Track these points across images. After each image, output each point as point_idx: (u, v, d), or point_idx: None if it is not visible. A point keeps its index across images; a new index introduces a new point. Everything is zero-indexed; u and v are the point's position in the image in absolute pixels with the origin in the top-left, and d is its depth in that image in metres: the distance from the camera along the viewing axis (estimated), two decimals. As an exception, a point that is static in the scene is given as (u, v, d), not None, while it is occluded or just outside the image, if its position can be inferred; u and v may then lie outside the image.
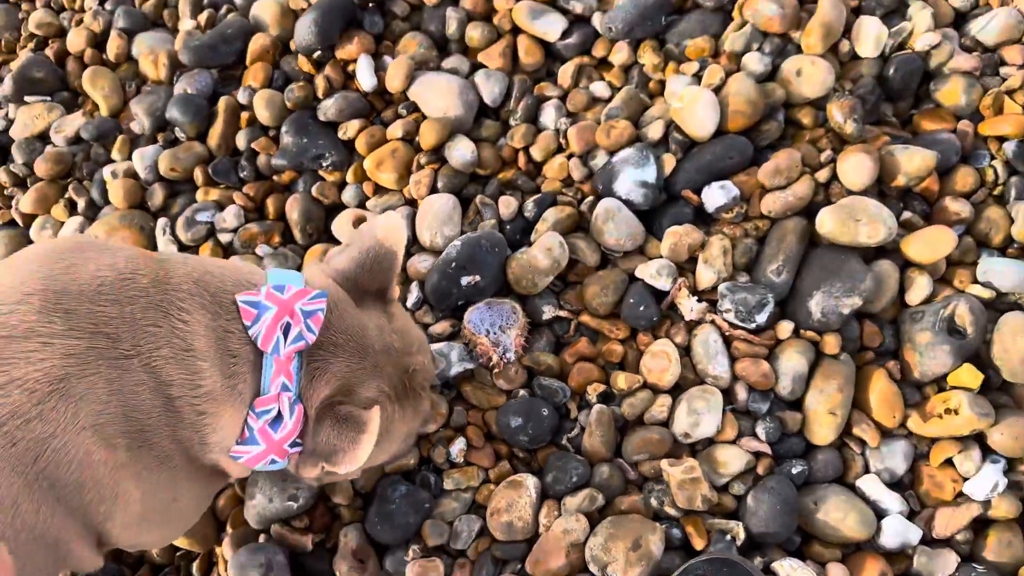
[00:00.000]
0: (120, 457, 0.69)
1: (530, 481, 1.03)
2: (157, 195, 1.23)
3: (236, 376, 0.72)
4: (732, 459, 1.01)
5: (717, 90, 1.14)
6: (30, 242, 1.29)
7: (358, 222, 1.18)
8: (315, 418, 0.76)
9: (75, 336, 0.66)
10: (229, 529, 1.08)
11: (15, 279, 0.68)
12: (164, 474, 0.73)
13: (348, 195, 1.22)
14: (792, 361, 1.04)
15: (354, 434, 0.73)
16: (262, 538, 1.06)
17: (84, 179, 1.30)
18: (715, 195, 1.11)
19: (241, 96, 1.27)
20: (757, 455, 1.03)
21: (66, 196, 1.28)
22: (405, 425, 0.86)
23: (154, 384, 0.69)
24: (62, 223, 1.26)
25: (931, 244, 1.06)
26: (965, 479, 1.01)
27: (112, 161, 1.29)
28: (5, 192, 1.34)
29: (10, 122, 1.38)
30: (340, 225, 1.20)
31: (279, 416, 0.74)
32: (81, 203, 1.26)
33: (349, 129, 1.22)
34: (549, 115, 1.21)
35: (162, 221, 1.21)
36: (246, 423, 0.74)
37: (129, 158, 1.27)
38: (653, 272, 1.08)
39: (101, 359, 0.66)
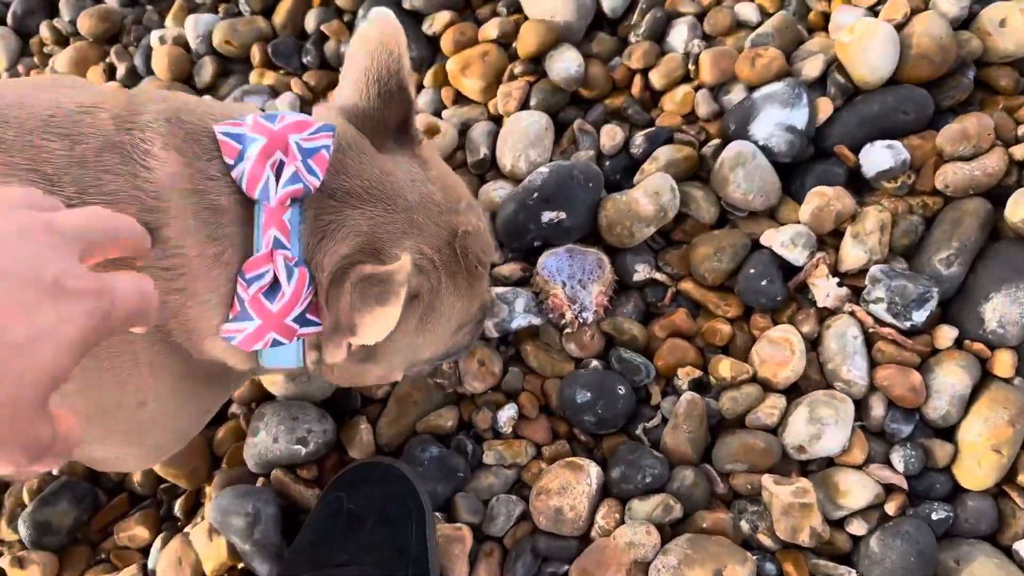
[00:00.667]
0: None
1: (593, 468, 0.82)
2: (206, 69, 1.06)
3: (219, 240, 0.53)
4: (856, 488, 0.78)
5: (899, 28, 0.90)
6: (62, 107, 1.13)
7: (431, 132, 0.99)
8: (330, 284, 0.56)
9: (6, 173, 0.47)
10: (224, 466, 0.91)
11: None
12: (123, 369, 0.55)
13: (423, 100, 1.02)
14: (952, 377, 0.80)
15: (381, 289, 0.53)
16: (260, 482, 0.88)
17: (130, 44, 1.13)
18: (878, 156, 0.87)
19: (319, -32, 1.08)
20: (888, 488, 0.79)
21: (107, 60, 1.12)
22: (459, 301, 0.65)
23: None
24: (97, 88, 1.10)
25: None
26: None
27: (162, 27, 1.12)
28: (44, 49, 1.18)
29: (64, -25, 1.23)
30: (408, 134, 1.00)
31: (276, 283, 0.55)
32: (121, 69, 1.09)
33: (436, 22, 1.02)
34: (679, 35, 0.99)
35: (208, 100, 1.03)
36: (236, 294, 0.55)
37: (181, 25, 1.10)
38: (786, 240, 0.85)
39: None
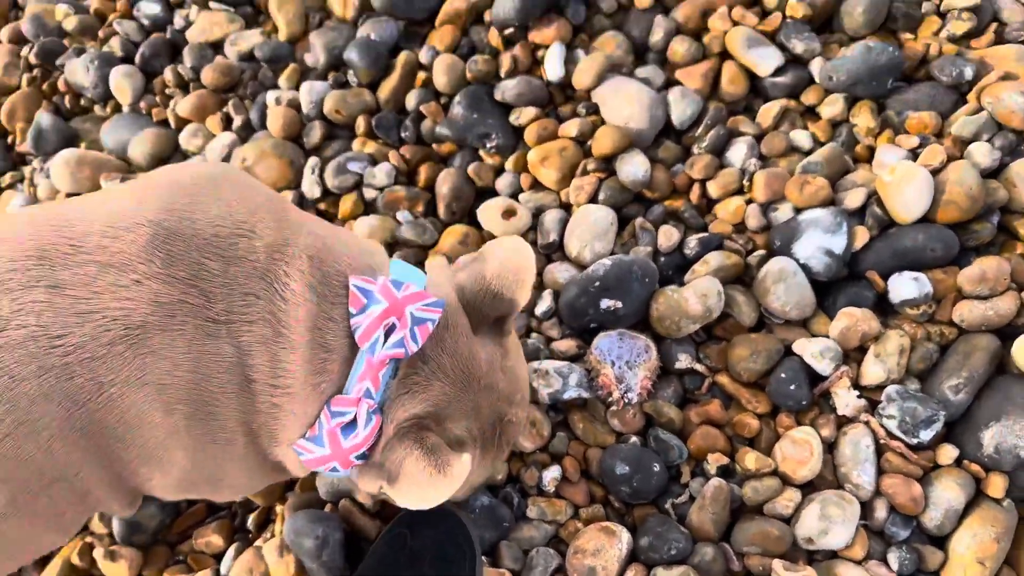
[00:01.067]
0: (176, 424, 0.62)
1: (624, 535, 0.93)
2: (315, 133, 1.19)
3: (322, 371, 0.64)
4: (854, 581, 0.89)
5: (935, 172, 1.02)
6: (177, 145, 1.27)
7: (508, 214, 1.11)
8: (394, 434, 0.67)
9: (170, 283, 0.59)
10: (297, 490, 1.03)
11: (137, 202, 0.62)
12: (219, 453, 0.66)
13: (503, 182, 1.15)
14: (949, 492, 0.91)
15: (433, 473, 0.63)
16: (328, 508, 1.00)
17: (246, 98, 1.27)
18: (905, 285, 0.99)
19: (423, 55, 1.21)
20: (883, 585, 0.90)
21: (224, 110, 1.25)
22: (480, 469, 0.77)
23: (236, 360, 0.62)
24: (214, 135, 1.23)
25: None
26: None
27: (277, 87, 1.26)
28: (167, 91, 1.32)
29: (189, 23, 1.37)
30: (487, 212, 1.13)
31: (353, 422, 0.66)
32: (237, 120, 1.23)
33: (523, 115, 1.15)
34: (738, 152, 1.11)
35: (313, 160, 1.16)
36: (319, 420, 0.66)
37: (296, 88, 1.24)
38: (815, 351, 0.97)
39: (188, 316, 0.59)
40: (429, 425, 0.68)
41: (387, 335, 0.64)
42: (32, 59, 1.41)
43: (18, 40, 1.47)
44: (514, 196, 1.15)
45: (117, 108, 1.36)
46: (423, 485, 0.64)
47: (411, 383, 0.67)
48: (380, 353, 0.64)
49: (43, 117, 1.35)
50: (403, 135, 1.18)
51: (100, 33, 1.41)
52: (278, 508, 1.03)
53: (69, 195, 1.28)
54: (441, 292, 0.71)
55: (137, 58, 1.34)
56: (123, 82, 1.32)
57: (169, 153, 1.27)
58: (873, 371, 0.96)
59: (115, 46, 1.37)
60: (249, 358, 0.61)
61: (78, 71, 1.36)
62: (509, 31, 1.19)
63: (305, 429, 0.67)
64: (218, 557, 1.02)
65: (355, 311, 0.65)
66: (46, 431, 0.58)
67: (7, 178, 1.36)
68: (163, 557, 1.04)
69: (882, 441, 0.94)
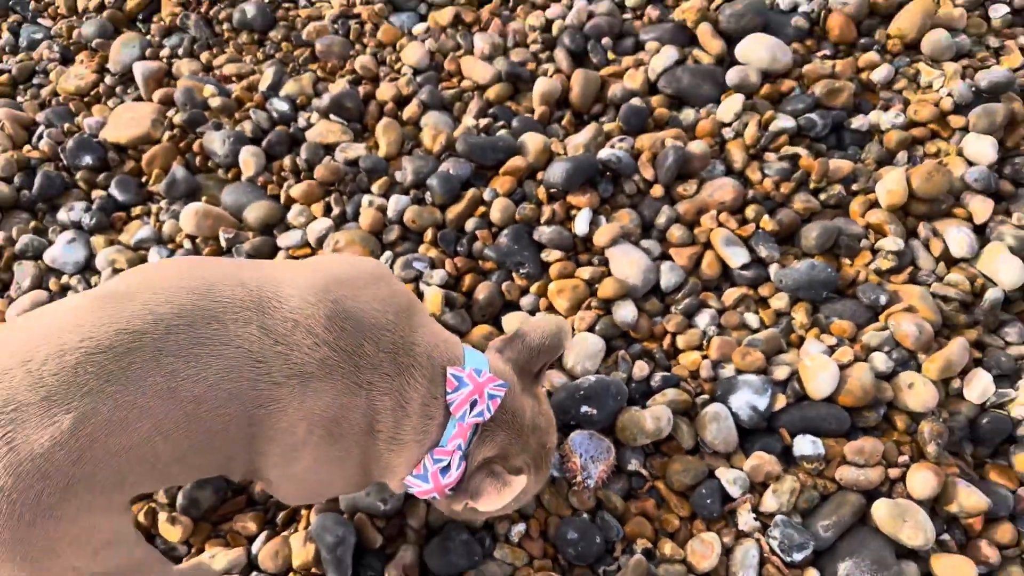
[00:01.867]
0: (311, 439, 0.95)
1: (563, 586, 1.24)
2: (393, 232, 1.55)
3: (426, 432, 0.99)
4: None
5: (843, 367, 1.38)
6: (283, 219, 1.63)
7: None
8: (475, 468, 1.01)
9: (337, 351, 0.93)
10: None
11: (322, 279, 0.97)
12: (335, 465, 0.99)
13: (526, 300, 1.51)
14: (806, 603, 1.23)
15: (500, 487, 0.97)
16: (346, 517, 1.30)
17: (345, 194, 1.64)
18: (805, 444, 1.33)
19: (486, 194, 1.59)
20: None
21: (326, 200, 1.62)
22: (532, 486, 1.11)
23: (367, 413, 0.95)
24: (315, 218, 1.60)
25: (955, 570, 1.24)
26: None
27: (371, 192, 1.63)
28: (282, 173, 1.69)
29: (310, 125, 1.75)
30: (509, 320, 1.48)
31: (448, 467, 1.00)
32: (336, 210, 1.59)
33: (552, 255, 1.52)
34: (703, 319, 1.48)
35: (387, 254, 1.52)
36: (423, 463, 1.00)
37: (385, 196, 1.61)
38: (730, 479, 1.30)
39: (342, 376, 0.93)
40: (497, 460, 1.02)
41: (472, 406, 0.99)
42: (176, 121, 1.79)
43: (167, 103, 1.85)
44: (532, 313, 1.50)
45: (237, 176, 1.72)
46: (495, 497, 0.97)
47: (484, 437, 1.02)
48: (468, 420, 0.99)
49: (178, 170, 1.71)
50: (458, 248, 1.55)
51: (236, 115, 1.80)
52: (303, 512, 1.33)
53: (188, 236, 1.62)
54: (501, 371, 1.05)
55: (264, 142, 1.72)
56: (249, 158, 1.69)
57: (275, 223, 1.63)
58: (769, 501, 1.29)
59: (247, 128, 1.76)
60: (377, 415, 0.96)
61: (215, 141, 1.73)
62: (554, 191, 1.58)
63: (411, 469, 1.01)
64: (251, 540, 1.32)
65: (450, 391, 0.99)
66: (229, 416, 0.91)
67: (136, 210, 1.71)
68: (207, 532, 1.33)
69: (765, 554, 1.26)
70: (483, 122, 1.71)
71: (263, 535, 1.30)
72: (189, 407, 0.89)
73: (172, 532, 1.30)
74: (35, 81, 1.98)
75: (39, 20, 2.12)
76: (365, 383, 0.94)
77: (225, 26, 2.00)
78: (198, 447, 0.92)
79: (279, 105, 1.78)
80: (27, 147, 1.81)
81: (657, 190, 1.60)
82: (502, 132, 1.70)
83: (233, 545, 1.31)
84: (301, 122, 1.76)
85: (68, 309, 0.91)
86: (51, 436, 0.85)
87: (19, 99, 1.95)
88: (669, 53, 1.78)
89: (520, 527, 1.30)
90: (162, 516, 1.31)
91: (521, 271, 1.52)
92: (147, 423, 0.89)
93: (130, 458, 0.90)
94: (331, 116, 1.75)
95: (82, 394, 0.86)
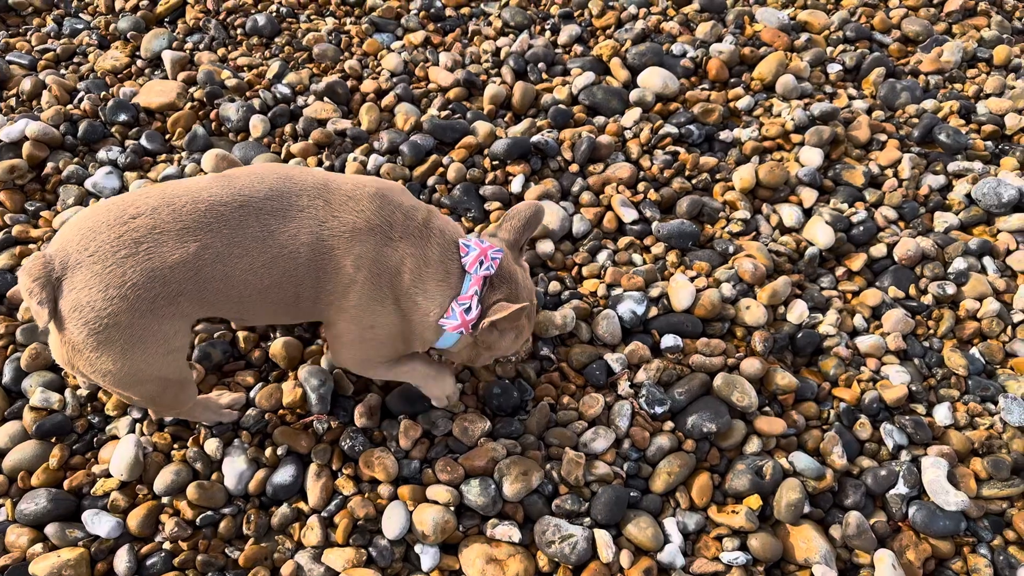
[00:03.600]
0: (357, 279, 1.37)
1: (487, 423, 1.67)
2: (371, 180, 2.03)
3: (446, 282, 1.41)
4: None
5: (699, 290, 1.89)
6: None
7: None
8: (487, 304, 1.43)
9: (376, 215, 1.37)
10: (309, 361, 1.74)
11: (368, 179, 1.42)
12: (377, 304, 1.40)
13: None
14: (663, 440, 1.69)
15: (510, 306, 1.38)
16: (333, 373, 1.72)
17: (334, 154, 2.11)
18: (669, 340, 1.82)
19: (444, 160, 2.09)
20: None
21: (319, 156, 2.09)
22: (526, 330, 1.55)
23: (398, 262, 1.38)
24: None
25: (770, 425, 1.73)
26: None
27: (354, 153, 2.11)
28: (283, 136, 2.16)
29: (306, 104, 2.23)
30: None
31: (469, 308, 1.42)
32: (327, 164, 2.06)
33: (493, 205, 2.02)
34: (602, 256, 1.98)
35: (367, 193, 1.99)
36: (451, 308, 1.41)
37: (367, 156, 2.09)
38: (614, 359, 1.78)
39: (380, 234, 1.36)
40: (503, 300, 1.44)
41: (480, 264, 1.42)
42: (197, 95, 2.24)
43: (190, 82, 2.31)
44: (475, 246, 1.98)
45: (245, 138, 2.18)
46: (507, 311, 1.36)
47: (493, 287, 1.44)
48: (480, 273, 1.42)
49: (198, 128, 2.15)
50: (421, 197, 2.03)
51: (247, 94, 2.27)
52: (291, 374, 1.74)
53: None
54: (497, 244, 1.50)
55: (269, 113, 2.19)
56: (258, 123, 2.16)
57: (278, 169, 2.08)
58: (641, 375, 1.77)
59: (255, 104, 2.22)
60: (403, 264, 1.38)
61: (230, 110, 2.19)
62: (496, 161, 2.08)
63: (442, 312, 1.42)
64: (248, 389, 1.72)
65: (463, 255, 1.44)
66: (301, 258, 1.34)
67: (161, 158, 2.14)
68: (214, 381, 1.72)
69: (636, 409, 1.73)
70: (444, 113, 2.22)
71: (259, 384, 1.71)
72: (275, 250, 1.32)
73: (191, 375, 1.69)
74: (75, 60, 2.41)
75: (80, 15, 2.56)
76: (396, 240, 1.37)
77: (239, 31, 2.48)
78: (277, 282, 1.35)
79: (282, 89, 2.25)
80: (70, 106, 2.23)
81: (574, 168, 2.12)
82: (458, 117, 2.21)
83: (235, 392, 1.71)
84: (300, 102, 2.24)
85: (197, 179, 1.35)
86: (180, 255, 1.26)
87: (62, 72, 2.37)
88: (588, 76, 2.34)
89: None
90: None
91: (469, 215, 2.00)
92: (245, 260, 1.31)
93: (226, 284, 1.31)
94: (324, 99, 2.23)
95: (206, 230, 1.28)
